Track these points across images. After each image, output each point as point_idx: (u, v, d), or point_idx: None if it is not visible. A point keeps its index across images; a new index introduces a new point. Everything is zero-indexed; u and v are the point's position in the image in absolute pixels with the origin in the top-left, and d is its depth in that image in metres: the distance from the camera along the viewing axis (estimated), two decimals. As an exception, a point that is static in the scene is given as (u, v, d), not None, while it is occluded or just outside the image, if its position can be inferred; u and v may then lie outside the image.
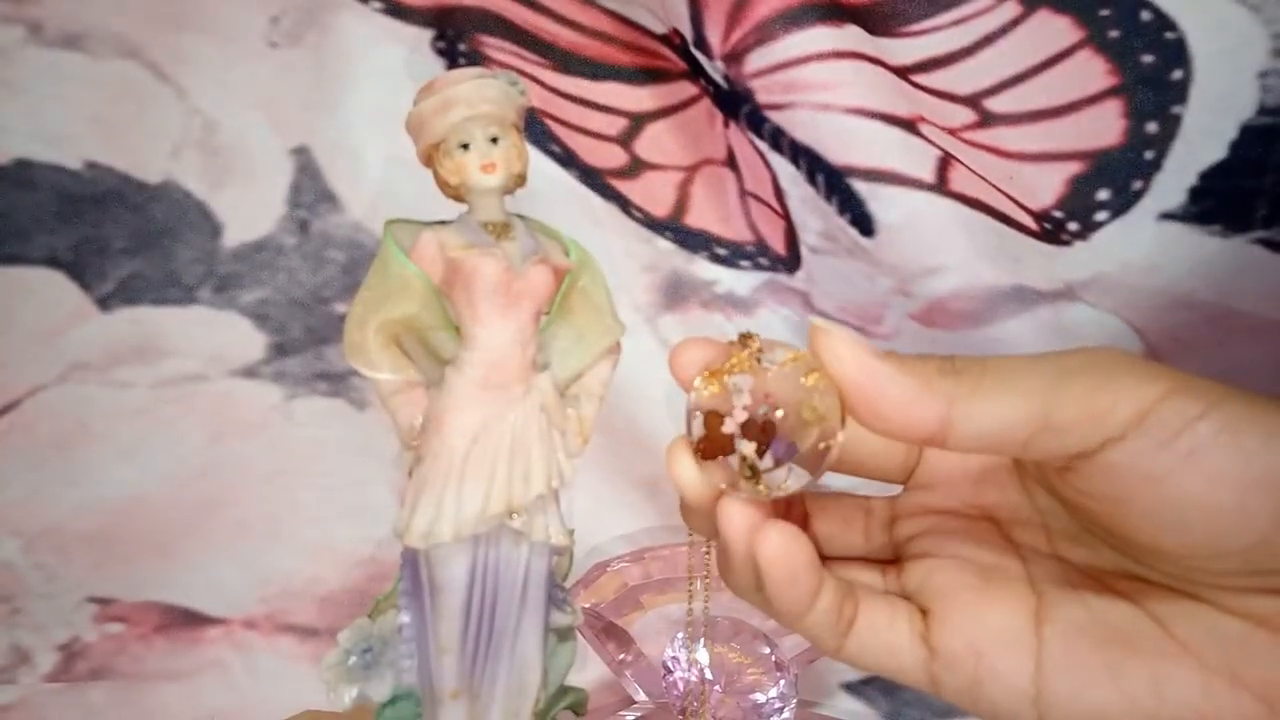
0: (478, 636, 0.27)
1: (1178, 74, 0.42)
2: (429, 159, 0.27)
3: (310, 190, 0.50)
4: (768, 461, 0.23)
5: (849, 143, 0.42)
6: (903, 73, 0.44)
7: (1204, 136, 0.42)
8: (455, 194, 0.27)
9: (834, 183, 0.43)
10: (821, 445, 0.23)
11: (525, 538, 0.27)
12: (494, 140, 0.27)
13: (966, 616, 0.25)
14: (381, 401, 0.27)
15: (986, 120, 0.44)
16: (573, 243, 0.29)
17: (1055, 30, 0.43)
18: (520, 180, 0.27)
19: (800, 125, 0.42)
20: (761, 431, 0.23)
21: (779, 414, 0.23)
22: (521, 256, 0.27)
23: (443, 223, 0.27)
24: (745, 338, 0.24)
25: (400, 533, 0.26)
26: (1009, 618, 0.25)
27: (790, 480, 0.23)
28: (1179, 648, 0.23)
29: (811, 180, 0.44)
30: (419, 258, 0.26)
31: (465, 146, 0.26)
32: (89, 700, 0.50)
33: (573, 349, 0.29)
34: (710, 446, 0.23)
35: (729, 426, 0.23)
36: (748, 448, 0.23)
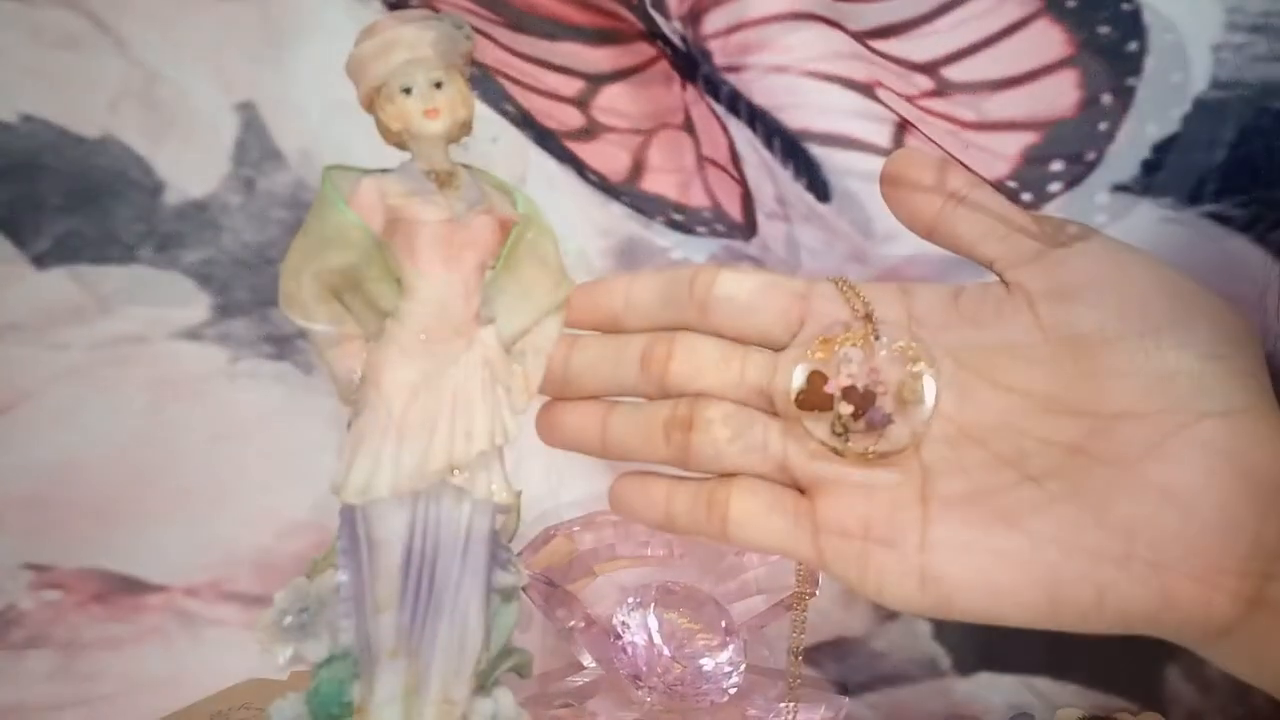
0: (416, 595, 0.26)
1: (1133, 45, 0.42)
2: (370, 104, 0.26)
3: (256, 148, 0.49)
4: (860, 425, 0.26)
5: (805, 106, 0.41)
6: (861, 37, 0.43)
7: (1157, 109, 0.42)
8: (398, 140, 0.26)
9: (790, 147, 0.42)
10: (920, 428, 0.26)
11: (467, 495, 0.26)
12: (438, 85, 0.26)
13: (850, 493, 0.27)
14: (318, 354, 0.26)
15: (943, 88, 0.44)
16: (521, 195, 0.28)
17: (1014, -2, 0.42)
18: (466, 128, 0.27)
19: (757, 87, 0.42)
20: (862, 399, 0.26)
21: (881, 388, 0.26)
22: (466, 206, 0.26)
23: (385, 170, 0.26)
24: (867, 318, 0.26)
25: (337, 489, 0.26)
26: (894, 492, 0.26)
27: (879, 444, 0.26)
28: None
29: (768, 144, 0.43)
30: (359, 205, 0.26)
31: (408, 91, 0.26)
32: (26, 668, 0.49)
33: (519, 304, 0.28)
34: (809, 399, 0.26)
35: (831, 387, 0.26)
36: (845, 408, 0.26)
